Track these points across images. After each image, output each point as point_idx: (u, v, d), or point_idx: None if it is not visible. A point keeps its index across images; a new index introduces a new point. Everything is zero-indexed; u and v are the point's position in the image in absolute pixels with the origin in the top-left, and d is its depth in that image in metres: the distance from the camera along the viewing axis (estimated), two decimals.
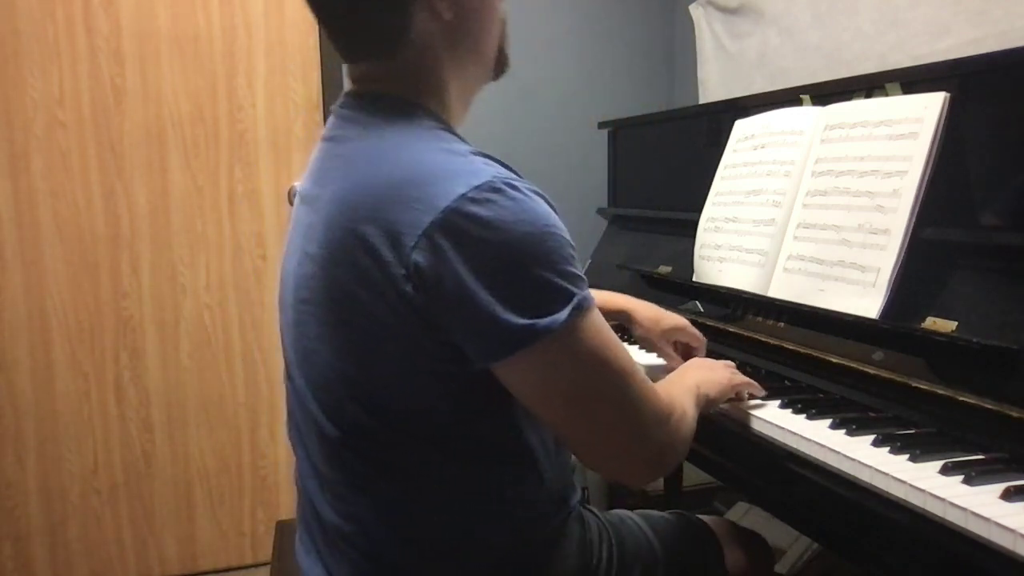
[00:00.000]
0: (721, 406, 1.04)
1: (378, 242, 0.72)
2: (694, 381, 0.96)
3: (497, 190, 0.71)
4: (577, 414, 0.78)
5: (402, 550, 0.84)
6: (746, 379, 1.05)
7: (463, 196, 0.70)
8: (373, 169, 0.77)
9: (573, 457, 1.06)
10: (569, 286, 0.73)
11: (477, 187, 0.71)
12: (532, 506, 0.88)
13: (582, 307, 0.73)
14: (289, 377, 0.94)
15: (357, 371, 0.79)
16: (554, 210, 0.76)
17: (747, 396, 1.05)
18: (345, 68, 0.90)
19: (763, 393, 1.06)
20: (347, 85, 0.91)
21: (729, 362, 1.09)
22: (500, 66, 0.94)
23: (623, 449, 0.80)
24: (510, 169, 0.77)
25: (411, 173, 0.74)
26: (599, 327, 0.76)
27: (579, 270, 0.76)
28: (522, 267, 0.71)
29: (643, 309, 1.23)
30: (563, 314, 0.72)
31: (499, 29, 0.91)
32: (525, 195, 0.73)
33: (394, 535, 0.83)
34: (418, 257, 0.70)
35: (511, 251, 0.71)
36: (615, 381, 0.77)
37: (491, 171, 0.73)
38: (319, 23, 0.88)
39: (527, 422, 0.85)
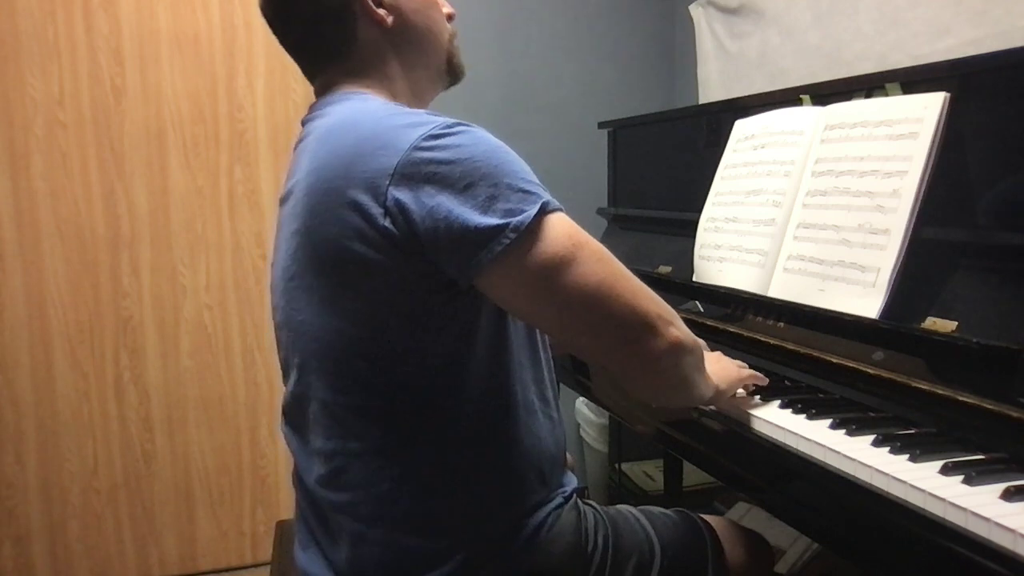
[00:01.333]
0: (723, 407, 1.04)
1: (355, 193, 0.78)
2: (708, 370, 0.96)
3: (454, 126, 0.79)
4: (574, 309, 0.78)
5: (399, 515, 0.85)
6: (752, 372, 1.06)
7: (424, 135, 0.78)
8: (337, 139, 0.84)
9: (570, 457, 1.06)
10: (534, 191, 0.78)
11: (435, 126, 0.79)
12: (528, 466, 0.90)
13: (550, 206, 0.79)
14: (285, 368, 0.97)
15: (355, 326, 0.83)
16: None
17: (752, 389, 1.06)
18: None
19: (766, 382, 1.07)
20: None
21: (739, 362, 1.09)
22: (453, 74, 1.04)
23: (618, 322, 0.79)
24: None
25: (373, 132, 0.81)
26: (569, 220, 0.80)
27: (540, 184, 0.80)
28: (486, 178, 0.77)
29: None
30: (532, 211, 0.76)
31: (445, 39, 1.01)
32: (478, 130, 0.81)
33: (392, 497, 0.85)
34: (392, 194, 0.77)
35: (474, 167, 0.77)
36: (600, 261, 0.79)
37: (447, 118, 0.81)
38: (283, 46, 0.99)
39: (519, 374, 0.90)
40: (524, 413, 0.91)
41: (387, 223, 0.77)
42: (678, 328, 0.83)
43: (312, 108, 0.96)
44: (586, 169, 2.32)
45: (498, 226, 0.75)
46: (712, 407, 1.04)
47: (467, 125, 0.81)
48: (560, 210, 0.80)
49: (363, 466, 0.86)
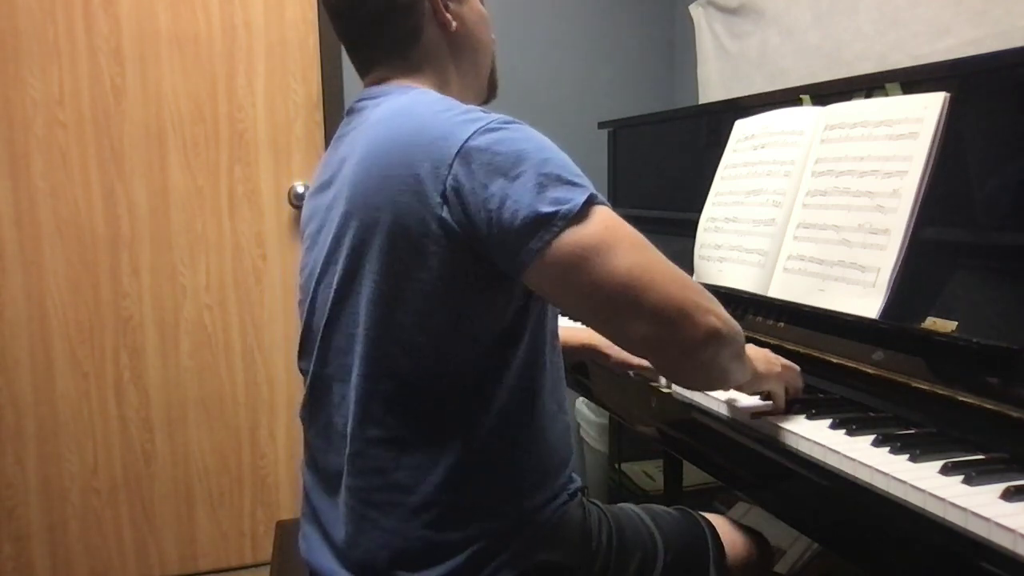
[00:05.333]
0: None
1: (413, 176, 0.80)
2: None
3: (508, 122, 0.83)
4: (610, 296, 0.78)
5: (414, 506, 0.86)
6: (794, 367, 1.01)
7: (480, 128, 0.81)
8: (394, 126, 0.86)
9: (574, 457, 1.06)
10: (581, 183, 0.81)
11: (490, 121, 0.82)
12: (538, 456, 0.92)
13: (597, 199, 0.80)
14: (308, 347, 0.97)
15: (397, 313, 0.84)
16: None
17: (783, 403, 1.00)
18: (346, 75, 1.00)
19: (801, 384, 1.02)
20: (348, 95, 0.99)
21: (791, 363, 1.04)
22: (491, 90, 1.09)
23: (654, 309, 0.77)
24: None
25: (431, 122, 0.84)
26: (614, 216, 0.81)
27: (586, 178, 0.83)
28: (536, 168, 0.79)
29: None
30: (579, 199, 0.78)
31: (491, 53, 1.06)
32: (530, 128, 0.85)
33: (408, 486, 0.86)
34: (450, 182, 0.79)
35: (526, 158, 0.79)
36: (637, 251, 0.79)
37: (500, 115, 0.84)
38: (342, 38, 1.00)
39: (544, 379, 0.91)
40: (544, 415, 0.92)
41: (444, 212, 0.79)
42: (718, 316, 0.80)
43: (361, 97, 0.98)
44: (586, 169, 2.29)
45: (548, 214, 0.77)
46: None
47: (519, 122, 0.84)
48: (605, 204, 0.82)
49: (382, 453, 0.87)
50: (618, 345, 0.86)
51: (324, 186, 0.96)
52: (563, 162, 0.82)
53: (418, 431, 0.87)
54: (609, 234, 0.79)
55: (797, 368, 1.03)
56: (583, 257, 0.77)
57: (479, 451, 0.87)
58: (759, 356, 0.96)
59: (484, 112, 0.85)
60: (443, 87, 0.98)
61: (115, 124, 2.08)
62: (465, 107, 0.86)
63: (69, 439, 2.12)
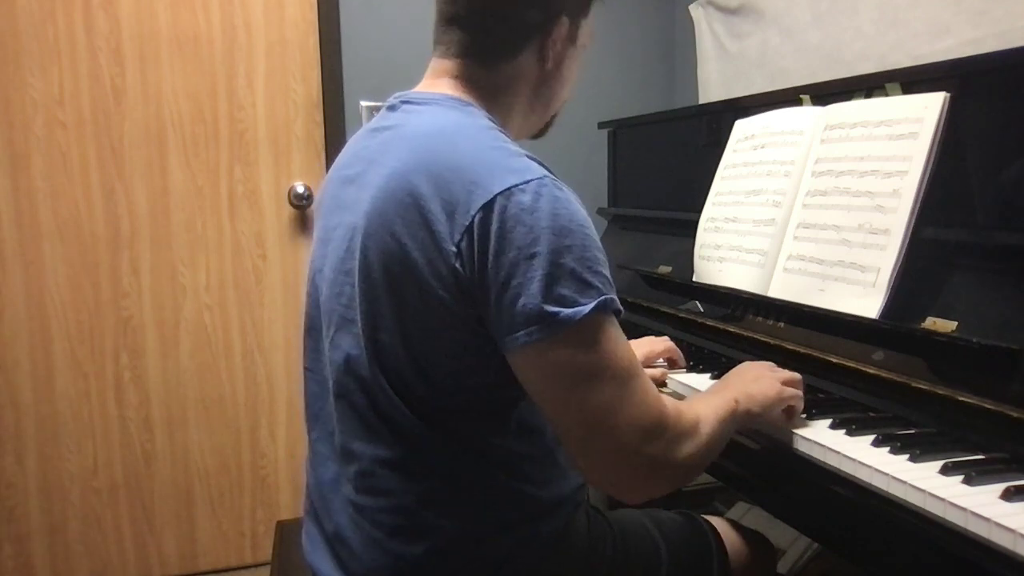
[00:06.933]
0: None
1: (436, 215, 0.78)
2: (733, 395, 0.91)
3: (545, 186, 0.77)
4: (573, 413, 0.78)
5: (418, 529, 0.85)
6: (796, 391, 0.98)
7: (515, 186, 0.76)
8: (434, 148, 0.82)
9: None
10: (595, 283, 0.77)
11: (527, 181, 0.77)
12: (546, 486, 0.90)
13: (606, 307, 0.77)
14: (314, 355, 0.96)
15: (401, 346, 0.82)
16: (589, 219, 0.81)
17: (800, 412, 0.98)
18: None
19: (802, 405, 0.98)
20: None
21: (793, 373, 1.01)
22: (542, 133, 1.05)
23: (610, 455, 0.79)
24: (556, 177, 0.82)
25: (470, 159, 0.80)
26: (616, 331, 0.79)
27: (607, 272, 0.79)
28: (556, 255, 0.75)
29: None
30: (586, 308, 0.75)
31: (559, 107, 1.02)
32: (567, 196, 0.79)
33: (416, 509, 0.85)
34: (467, 235, 0.76)
35: (549, 240, 0.75)
36: (614, 386, 0.77)
37: (541, 171, 0.80)
38: (446, 6, 0.93)
39: None
40: (553, 442, 0.91)
41: (456, 263, 0.77)
42: (675, 465, 0.80)
43: (405, 96, 0.93)
44: (586, 169, 2.32)
45: (549, 314, 0.74)
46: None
47: (560, 187, 0.79)
48: (616, 311, 0.79)
49: (389, 476, 0.85)
50: (566, 450, 0.84)
51: (348, 180, 0.91)
52: (582, 251, 0.77)
53: (423, 458, 0.85)
54: (596, 361, 0.76)
55: (798, 377, 1.00)
56: (563, 375, 0.76)
57: (484, 482, 0.86)
58: (755, 393, 0.94)
59: (526, 159, 0.81)
60: (507, 114, 0.94)
61: (115, 124, 2.08)
62: (510, 149, 0.82)
63: (69, 439, 2.12)
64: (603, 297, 0.76)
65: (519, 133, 1.00)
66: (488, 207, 0.76)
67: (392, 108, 0.93)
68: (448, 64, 0.93)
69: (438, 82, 0.93)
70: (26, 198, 2.03)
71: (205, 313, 2.20)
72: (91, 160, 2.07)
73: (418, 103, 0.91)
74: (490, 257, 0.76)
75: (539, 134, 1.05)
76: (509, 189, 0.76)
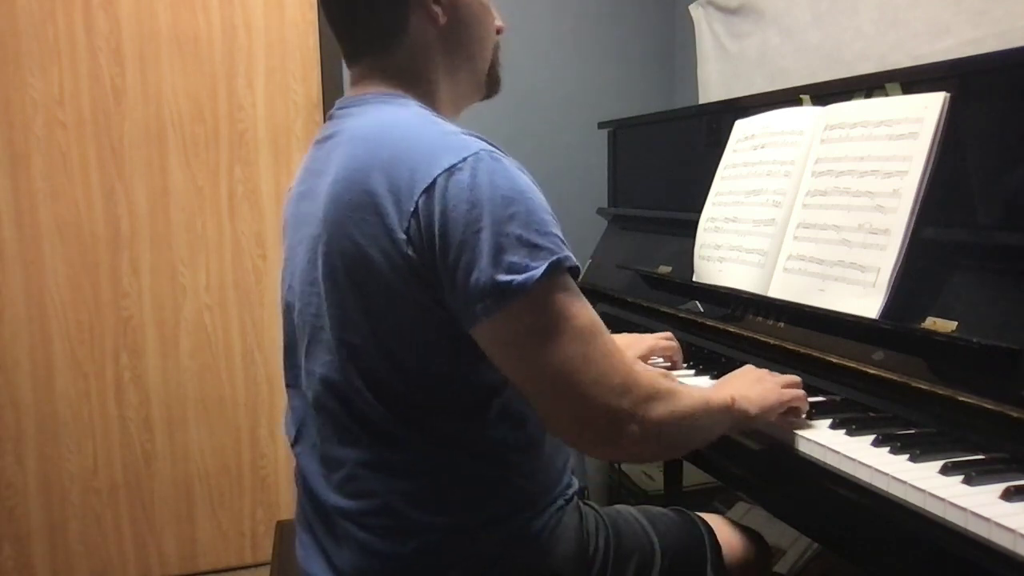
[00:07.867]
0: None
1: (386, 207, 0.78)
2: (730, 392, 0.91)
3: (481, 160, 0.77)
4: (540, 375, 0.78)
5: (406, 528, 0.85)
6: (796, 393, 0.97)
7: (453, 166, 0.77)
8: (374, 142, 0.82)
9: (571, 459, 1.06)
10: (544, 244, 0.76)
11: (464, 158, 0.77)
12: (533, 476, 0.90)
13: (559, 266, 0.77)
14: (293, 372, 0.97)
15: (371, 344, 0.82)
16: (534, 184, 0.81)
17: (802, 415, 0.97)
18: (346, 75, 0.94)
19: (807, 407, 0.98)
20: (347, 90, 0.95)
21: (793, 377, 1.00)
22: (492, 85, 1.01)
23: (577, 410, 0.78)
24: (496, 147, 0.82)
25: (407, 146, 0.80)
26: (572, 290, 0.79)
27: (558, 232, 0.79)
28: (500, 225, 0.75)
29: None
30: (537, 271, 0.75)
31: (492, 48, 0.98)
32: (505, 166, 0.79)
33: (402, 508, 0.85)
34: (413, 220, 0.77)
35: (492, 211, 0.75)
36: (578, 343, 0.77)
37: (478, 144, 0.80)
38: (329, 24, 0.95)
39: None
40: (537, 431, 0.91)
41: (408, 251, 0.77)
42: (647, 422, 0.79)
43: (342, 103, 0.94)
44: (586, 169, 2.32)
45: (501, 284, 0.74)
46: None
47: (497, 157, 0.79)
48: (570, 267, 0.78)
49: (371, 477, 0.85)
50: (539, 417, 0.84)
51: (302, 196, 0.93)
52: (527, 216, 0.76)
53: (406, 457, 0.85)
54: (557, 322, 0.76)
55: (797, 380, 1.00)
56: (525, 341, 0.76)
57: (469, 477, 0.86)
58: (754, 397, 0.93)
59: (460, 136, 0.81)
60: (428, 90, 0.93)
61: (115, 124, 2.08)
62: (442, 129, 0.82)
63: (69, 439, 2.12)
64: (554, 257, 0.76)
65: (459, 100, 0.98)
66: (429, 190, 0.76)
67: (331, 117, 0.94)
68: (357, 69, 0.94)
69: (360, 85, 0.94)
70: (26, 198, 2.03)
71: (205, 313, 2.20)
72: (91, 160, 2.07)
73: (352, 106, 0.92)
74: (437, 239, 0.76)
75: (490, 91, 1.01)
76: (447, 169, 0.76)
